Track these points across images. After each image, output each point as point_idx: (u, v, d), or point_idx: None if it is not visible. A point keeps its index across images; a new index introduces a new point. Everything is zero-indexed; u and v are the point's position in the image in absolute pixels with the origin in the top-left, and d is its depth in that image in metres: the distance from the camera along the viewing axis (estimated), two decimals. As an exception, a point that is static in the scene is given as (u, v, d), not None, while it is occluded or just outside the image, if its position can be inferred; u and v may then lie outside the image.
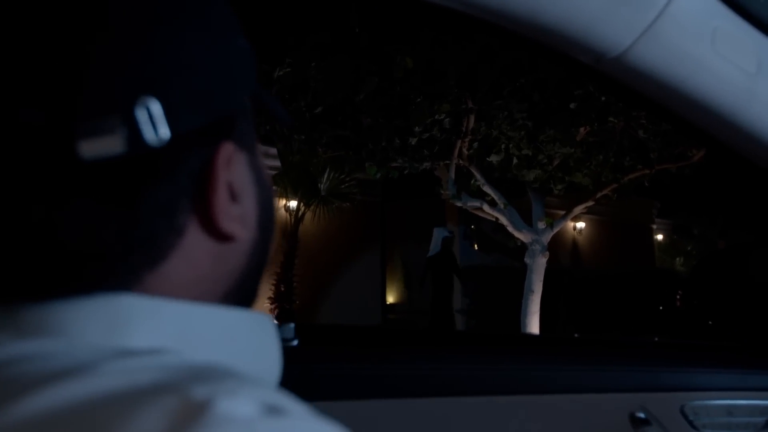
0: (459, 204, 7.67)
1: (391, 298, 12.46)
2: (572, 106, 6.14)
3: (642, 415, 1.08)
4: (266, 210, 0.51)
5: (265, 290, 9.27)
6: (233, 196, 0.45)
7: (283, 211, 9.84)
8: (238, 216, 0.45)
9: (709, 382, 1.12)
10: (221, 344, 0.44)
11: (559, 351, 1.17)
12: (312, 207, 9.74)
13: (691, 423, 1.09)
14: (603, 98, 5.95)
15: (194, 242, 0.43)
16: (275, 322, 0.52)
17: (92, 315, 0.39)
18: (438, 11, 0.90)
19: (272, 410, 0.34)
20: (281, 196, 9.69)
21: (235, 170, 0.45)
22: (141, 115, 0.37)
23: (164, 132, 0.38)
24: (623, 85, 0.92)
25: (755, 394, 1.12)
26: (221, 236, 0.44)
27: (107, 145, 0.36)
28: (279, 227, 9.64)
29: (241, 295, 0.48)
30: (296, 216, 9.72)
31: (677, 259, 16.95)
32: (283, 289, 9.36)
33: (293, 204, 9.76)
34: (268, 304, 9.25)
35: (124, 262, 0.40)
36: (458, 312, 10.94)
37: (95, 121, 0.36)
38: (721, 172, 8.21)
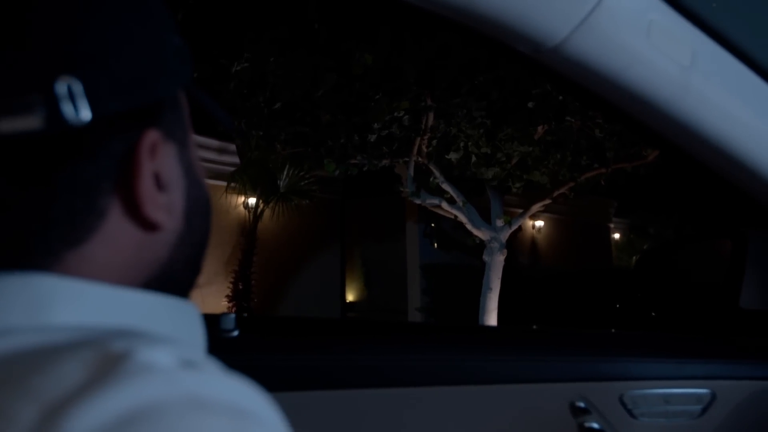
0: (418, 201, 7.70)
1: (350, 296, 12.45)
2: (530, 105, 6.20)
3: (582, 404, 1.09)
4: (196, 203, 0.51)
5: (223, 288, 9.19)
6: (160, 185, 0.46)
7: (241, 208, 9.75)
8: (164, 204, 0.46)
9: (647, 371, 1.13)
10: (142, 327, 0.44)
11: (499, 342, 1.18)
12: (271, 204, 9.66)
13: (629, 412, 1.11)
14: (560, 97, 6.02)
15: (117, 227, 0.44)
16: (200, 311, 0.52)
17: (9, 293, 0.39)
18: (382, 2, 0.90)
19: (188, 364, 0.36)
20: (240, 193, 9.60)
21: (161, 159, 0.46)
22: (61, 94, 0.38)
23: (85, 112, 0.39)
24: (562, 75, 0.92)
25: (691, 383, 1.14)
26: (146, 223, 0.45)
27: (26, 122, 0.37)
28: (237, 224, 9.56)
29: (165, 285, 0.49)
30: (255, 213, 9.64)
31: (634, 257, 17.24)
32: (241, 286, 9.28)
33: (252, 201, 9.68)
34: (226, 302, 9.16)
35: (43, 240, 0.40)
36: (418, 310, 10.97)
37: (14, 97, 0.37)
38: (675, 171, 8.36)
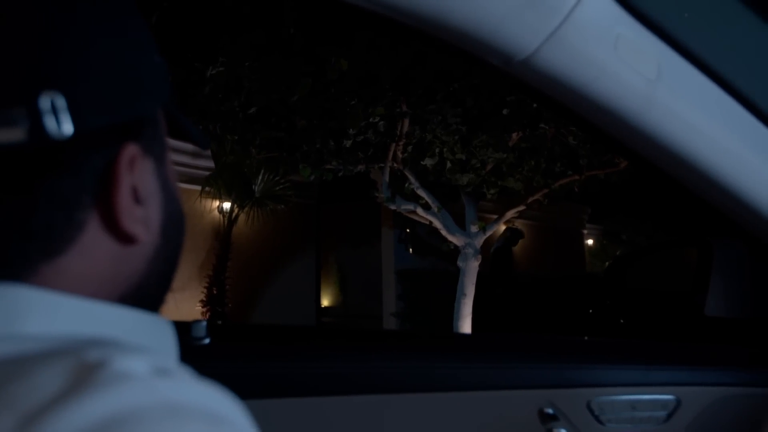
0: (393, 207, 7.70)
1: (326, 302, 12.42)
2: (505, 112, 6.24)
3: (550, 410, 1.10)
4: (172, 218, 0.53)
5: (197, 293, 9.11)
6: (137, 199, 0.47)
7: (216, 212, 9.69)
8: (141, 218, 0.47)
9: (614, 378, 1.15)
10: (115, 337, 0.45)
11: (469, 349, 1.19)
12: (246, 209, 9.61)
13: (597, 418, 1.13)
14: (535, 105, 6.07)
15: (94, 239, 0.44)
16: (174, 327, 0.53)
17: None
18: (350, 11, 0.91)
19: (162, 371, 0.37)
20: (214, 198, 9.54)
21: (139, 174, 0.47)
22: (45, 108, 0.39)
23: (67, 127, 0.40)
24: (532, 87, 0.94)
25: (657, 389, 1.16)
26: (123, 236, 0.46)
27: (9, 135, 0.38)
28: (212, 229, 9.49)
29: (139, 300, 0.49)
30: (230, 218, 9.58)
31: (607, 263, 17.40)
32: (215, 291, 9.21)
33: (227, 205, 9.62)
34: (200, 307, 9.09)
35: (20, 251, 0.41)
36: (392, 315, 10.97)
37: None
38: (647, 179, 8.47)
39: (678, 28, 0.90)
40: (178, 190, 0.55)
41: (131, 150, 0.45)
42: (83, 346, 0.37)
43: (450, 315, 7.74)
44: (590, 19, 0.85)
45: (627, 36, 0.88)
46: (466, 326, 7.54)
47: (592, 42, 0.86)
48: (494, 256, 9.98)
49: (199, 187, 9.20)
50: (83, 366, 0.35)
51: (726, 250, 1.24)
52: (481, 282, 7.76)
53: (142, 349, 0.41)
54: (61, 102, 0.39)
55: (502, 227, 9.45)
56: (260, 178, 9.43)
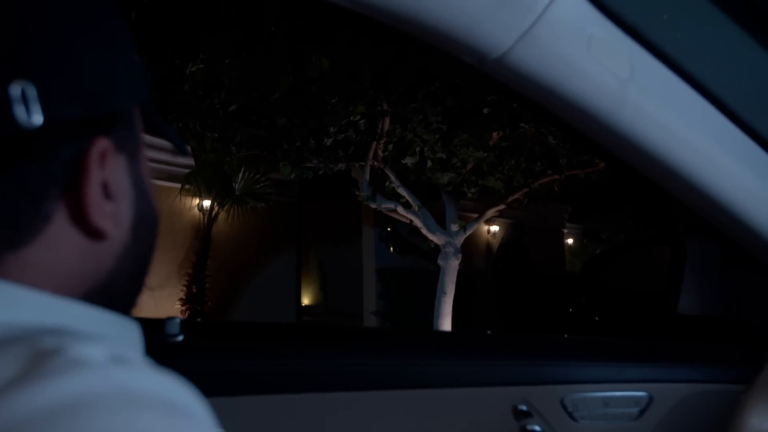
0: (374, 206, 7.71)
1: (306, 300, 12.41)
2: (485, 111, 6.27)
3: (524, 407, 1.11)
4: (144, 217, 0.52)
5: (177, 291, 9.07)
6: (107, 194, 0.46)
7: (196, 210, 9.64)
8: (110, 213, 0.46)
9: (587, 375, 1.16)
10: (74, 327, 0.44)
11: (443, 346, 1.20)
12: (226, 207, 9.56)
13: (570, 414, 1.14)
14: (515, 105, 6.10)
15: (61, 232, 0.44)
16: (141, 325, 0.52)
17: None
18: (329, 9, 0.90)
19: (119, 359, 0.37)
20: (194, 195, 9.49)
21: (110, 169, 0.46)
22: (15, 96, 0.39)
23: (37, 117, 0.40)
24: (506, 86, 0.94)
25: (629, 386, 1.17)
26: (91, 231, 0.45)
27: None
28: (192, 227, 9.44)
29: (107, 299, 0.49)
30: (210, 216, 9.53)
31: (585, 262, 17.48)
32: (194, 290, 9.16)
33: (207, 203, 9.57)
34: (179, 305, 9.04)
35: None
36: (373, 314, 10.98)
37: None
38: (624, 178, 8.54)
39: (651, 29, 0.90)
40: (152, 190, 0.55)
41: (102, 144, 0.45)
42: (39, 334, 0.37)
43: (430, 313, 7.76)
44: (563, 18, 0.86)
45: (600, 36, 0.89)
46: (446, 325, 7.57)
47: (565, 41, 0.87)
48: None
49: (179, 185, 9.14)
50: (38, 352, 0.34)
51: (699, 248, 1.25)
52: (462, 281, 7.77)
53: (100, 337, 0.40)
54: (32, 91, 0.39)
55: (488, 227, 9.49)
56: (240, 176, 9.39)
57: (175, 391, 0.38)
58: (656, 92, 0.92)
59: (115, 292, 0.50)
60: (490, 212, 8.03)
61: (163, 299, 8.83)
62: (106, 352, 0.37)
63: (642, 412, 1.16)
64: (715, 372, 1.23)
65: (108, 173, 0.46)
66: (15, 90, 0.39)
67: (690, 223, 1.19)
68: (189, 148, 5.96)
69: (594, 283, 1.42)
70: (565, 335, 1.49)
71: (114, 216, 0.47)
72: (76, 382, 0.33)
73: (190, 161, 9.17)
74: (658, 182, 1.05)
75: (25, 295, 0.41)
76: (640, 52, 0.91)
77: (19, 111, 0.39)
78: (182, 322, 1.02)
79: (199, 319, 8.19)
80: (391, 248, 11.59)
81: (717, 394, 1.21)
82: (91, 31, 0.45)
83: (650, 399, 1.17)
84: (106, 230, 0.46)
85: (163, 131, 0.57)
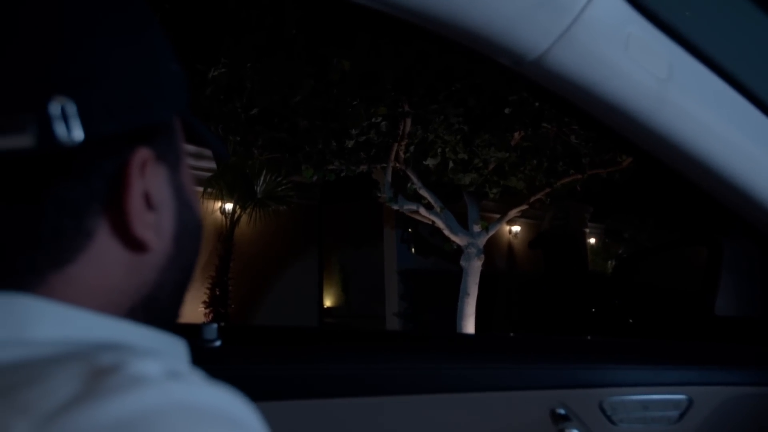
0: (396, 207, 7.70)
1: (328, 302, 12.43)
2: (507, 111, 6.24)
3: (562, 411, 1.10)
4: (186, 227, 0.51)
5: (200, 294, 9.12)
6: (149, 205, 0.46)
7: (218, 213, 9.69)
8: (152, 224, 0.46)
9: (626, 378, 1.15)
10: (126, 342, 0.44)
11: (479, 350, 1.19)
12: (248, 210, 9.61)
13: (609, 418, 1.12)
14: (537, 104, 6.07)
15: (105, 248, 0.44)
16: (185, 340, 0.52)
17: None
18: (361, 12, 0.90)
19: (175, 374, 0.37)
20: (216, 199, 9.54)
21: (151, 179, 0.46)
22: (55, 114, 0.38)
23: (78, 133, 0.39)
24: (543, 87, 0.94)
25: (669, 389, 1.16)
26: (134, 243, 0.45)
27: (18, 141, 0.37)
28: (214, 230, 9.49)
29: (151, 312, 0.48)
30: (232, 219, 9.58)
31: (609, 262, 17.37)
32: (218, 292, 9.20)
33: (229, 206, 9.62)
34: (203, 308, 9.09)
35: (28, 259, 0.40)
36: (395, 315, 10.97)
37: (7, 116, 0.37)
38: (650, 177, 8.45)
39: (688, 28, 0.89)
40: (196, 200, 0.54)
41: (143, 154, 0.45)
42: (96, 350, 0.37)
43: (453, 315, 7.74)
44: (601, 18, 0.85)
45: (638, 35, 0.88)
46: (469, 326, 7.54)
47: (603, 42, 0.86)
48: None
49: (201, 189, 9.20)
50: (96, 369, 0.34)
51: (736, 248, 1.23)
52: (484, 282, 7.74)
53: (153, 352, 0.40)
54: (71, 108, 0.39)
55: (509, 227, 8.89)
56: (262, 179, 9.43)
57: (231, 404, 0.38)
58: (695, 92, 0.91)
59: (159, 306, 0.50)
60: (513, 212, 7.99)
61: (187, 302, 8.83)
62: (162, 367, 0.37)
63: (682, 416, 1.15)
64: (754, 375, 1.22)
65: (149, 183, 0.46)
66: (55, 108, 0.38)
67: (725, 223, 1.17)
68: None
69: (628, 283, 1.41)
70: (593, 338, 1.47)
71: (156, 226, 0.47)
72: (137, 399, 0.33)
73: (212, 165, 9.22)
74: (696, 182, 1.04)
75: (73, 313, 0.41)
76: (678, 52, 0.90)
77: (60, 129, 0.38)
78: (219, 327, 1.03)
79: (223, 324, 8.23)
80: (413, 249, 11.56)
81: (756, 397, 1.20)
82: (130, 43, 0.45)
83: (690, 402, 1.16)
84: (149, 241, 0.46)
85: (204, 140, 0.57)
